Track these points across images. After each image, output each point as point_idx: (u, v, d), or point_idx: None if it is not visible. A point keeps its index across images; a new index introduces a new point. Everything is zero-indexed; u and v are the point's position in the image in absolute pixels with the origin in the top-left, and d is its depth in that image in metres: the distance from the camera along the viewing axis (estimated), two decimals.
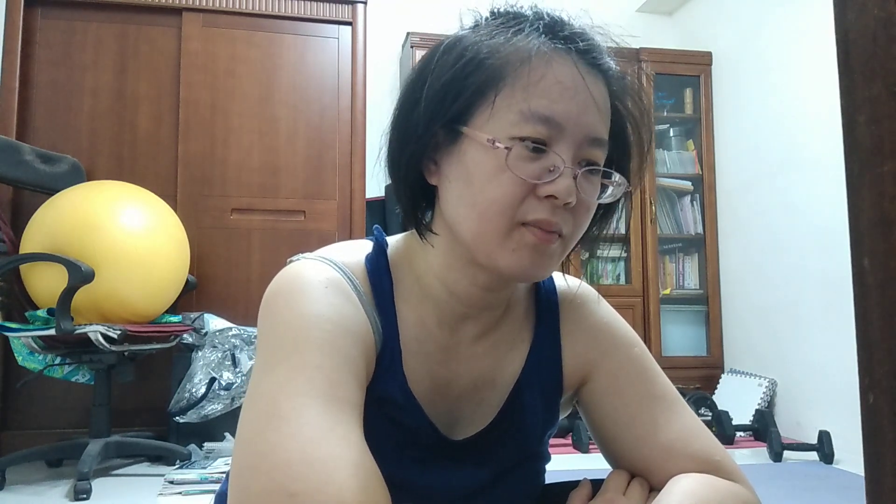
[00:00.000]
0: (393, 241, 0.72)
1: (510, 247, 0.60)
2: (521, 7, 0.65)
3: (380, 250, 0.69)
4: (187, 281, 2.57)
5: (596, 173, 0.62)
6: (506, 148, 0.58)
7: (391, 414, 0.65)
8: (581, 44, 0.61)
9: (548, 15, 0.63)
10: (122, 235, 2.25)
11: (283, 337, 0.59)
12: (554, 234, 0.60)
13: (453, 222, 0.63)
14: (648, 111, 0.69)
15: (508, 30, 0.61)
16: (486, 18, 0.65)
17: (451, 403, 0.70)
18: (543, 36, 0.61)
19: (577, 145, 0.60)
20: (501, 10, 0.65)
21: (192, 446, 2.41)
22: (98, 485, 2.10)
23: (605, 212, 0.69)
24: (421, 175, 0.65)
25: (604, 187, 0.64)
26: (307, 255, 0.67)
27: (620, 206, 0.69)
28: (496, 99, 0.59)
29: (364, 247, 0.70)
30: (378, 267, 0.68)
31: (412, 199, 0.66)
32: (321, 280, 0.63)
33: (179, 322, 2.53)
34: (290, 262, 0.66)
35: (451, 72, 0.61)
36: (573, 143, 0.60)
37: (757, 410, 3.01)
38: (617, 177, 0.64)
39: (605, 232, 0.70)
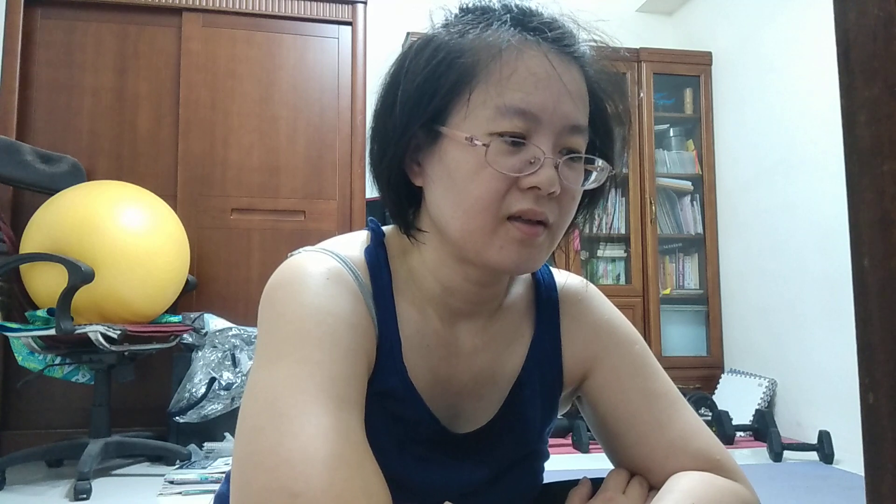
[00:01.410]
0: (389, 232, 0.72)
1: (497, 244, 0.60)
2: (488, 1, 0.65)
3: (377, 242, 0.69)
4: (187, 281, 2.57)
5: (578, 160, 0.63)
6: (484, 145, 0.58)
7: (392, 408, 0.65)
8: (551, 33, 0.61)
9: (516, 6, 0.63)
10: (122, 235, 2.25)
11: (284, 331, 0.58)
12: (539, 226, 0.60)
13: (440, 221, 0.63)
14: (627, 92, 0.69)
15: (477, 25, 0.62)
16: (456, 15, 0.66)
17: (452, 398, 0.70)
18: (513, 28, 0.61)
19: (556, 135, 0.60)
20: (470, 5, 0.65)
21: (192, 446, 2.41)
22: (98, 485, 2.10)
23: (592, 197, 0.69)
24: (405, 177, 0.65)
25: (587, 173, 0.64)
26: (308, 248, 0.67)
27: (606, 190, 0.69)
28: (471, 97, 0.59)
29: (364, 238, 0.70)
30: (377, 259, 0.68)
31: (398, 202, 0.67)
32: (322, 272, 0.63)
33: (179, 322, 2.53)
34: (292, 255, 0.66)
35: (424, 73, 0.61)
36: (552, 133, 0.60)
37: (757, 410, 3.01)
38: (600, 162, 0.64)
39: (596, 223, 0.71)
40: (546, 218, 0.60)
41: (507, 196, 0.59)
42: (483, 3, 0.65)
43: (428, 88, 0.61)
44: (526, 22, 0.62)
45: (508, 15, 0.62)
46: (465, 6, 0.66)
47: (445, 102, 0.61)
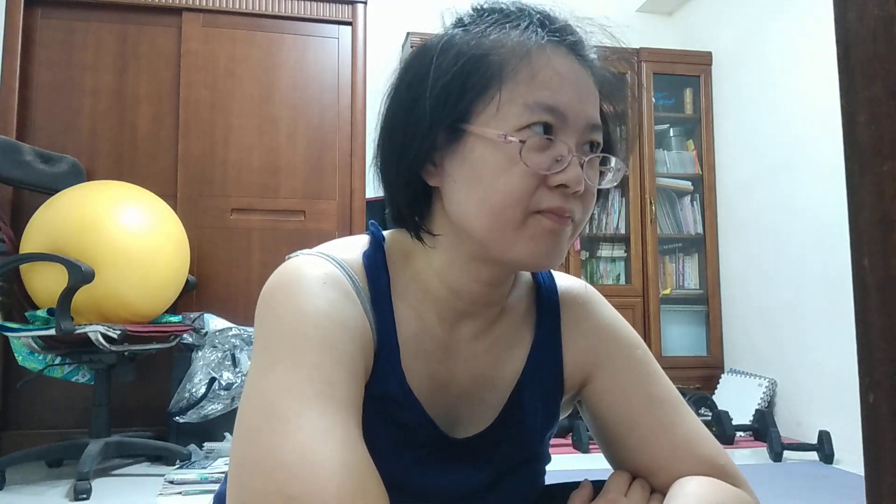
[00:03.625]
0: (389, 236, 0.71)
1: (528, 235, 0.60)
2: (503, 4, 0.66)
3: (377, 246, 0.69)
4: (187, 281, 2.57)
5: (595, 159, 0.64)
6: (521, 141, 0.59)
7: (390, 412, 0.65)
8: (570, 37, 0.63)
9: (535, 10, 0.64)
10: (122, 235, 2.25)
11: (281, 334, 0.58)
12: (568, 219, 0.61)
13: (461, 221, 0.63)
14: (628, 96, 0.69)
15: (503, 26, 0.62)
16: (472, 16, 0.66)
17: (451, 403, 0.70)
18: (540, 29, 0.62)
19: (580, 133, 0.61)
20: (486, 6, 0.66)
21: (192, 446, 2.41)
22: (98, 485, 2.10)
23: (597, 197, 0.70)
24: (420, 178, 0.65)
25: (602, 174, 0.65)
26: (306, 251, 0.67)
27: (612, 190, 0.70)
28: (500, 94, 0.60)
29: (363, 242, 0.70)
30: (375, 263, 0.67)
31: (412, 203, 0.66)
32: (319, 276, 0.62)
33: (179, 322, 2.53)
34: (289, 258, 0.66)
35: (452, 72, 0.61)
36: (576, 131, 0.61)
37: (757, 410, 3.01)
38: (614, 161, 0.65)
39: (603, 228, 0.71)
40: (573, 215, 0.61)
41: (536, 193, 0.60)
42: (500, 6, 0.65)
43: (455, 87, 0.61)
44: (548, 25, 0.63)
45: (530, 18, 0.63)
46: (479, 8, 0.66)
47: (473, 101, 0.61)
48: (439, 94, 0.61)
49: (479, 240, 0.62)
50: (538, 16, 0.63)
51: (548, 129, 0.60)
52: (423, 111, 0.61)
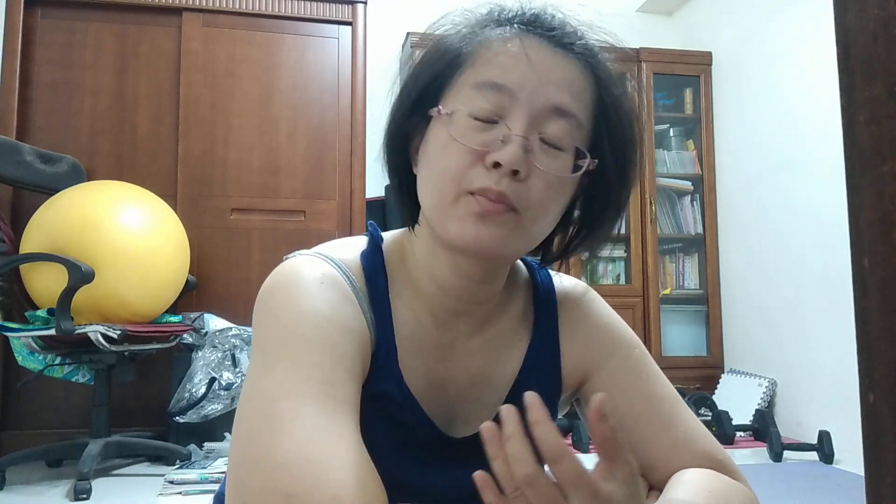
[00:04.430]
0: (388, 237, 0.72)
1: (457, 215, 0.60)
2: (493, 3, 0.67)
3: (375, 246, 0.69)
4: (187, 281, 2.57)
5: (563, 150, 0.61)
6: (446, 114, 0.60)
7: (389, 411, 0.65)
8: (555, 31, 0.63)
9: (527, 13, 0.65)
10: (122, 235, 2.25)
11: (280, 334, 0.58)
12: (501, 205, 0.58)
13: (421, 202, 0.65)
14: (628, 93, 0.67)
15: (484, 22, 0.65)
16: (464, 16, 0.68)
17: (449, 402, 0.70)
18: (516, 25, 0.63)
19: (533, 115, 0.59)
20: (475, 7, 0.68)
21: (192, 446, 2.41)
22: (98, 485, 2.10)
23: (594, 200, 0.67)
24: (409, 166, 0.67)
25: (577, 168, 0.62)
26: (304, 251, 0.67)
27: (607, 194, 0.66)
28: (456, 80, 0.62)
29: (361, 243, 0.70)
30: (373, 263, 0.68)
31: (400, 190, 0.69)
32: (317, 276, 0.63)
33: (179, 322, 2.53)
34: (287, 259, 0.66)
35: (425, 63, 0.65)
36: (528, 112, 0.59)
37: (757, 410, 3.01)
38: (583, 153, 0.62)
39: (599, 228, 0.69)
40: (509, 200, 0.58)
41: (471, 171, 0.59)
42: (490, 6, 0.67)
43: (421, 75, 0.64)
44: (528, 21, 0.63)
45: (509, 12, 0.65)
46: (470, 10, 0.68)
47: (438, 87, 0.63)
48: (414, 86, 0.64)
49: (428, 220, 0.64)
50: (518, 10, 0.65)
51: (491, 112, 0.59)
52: (402, 102, 0.65)
